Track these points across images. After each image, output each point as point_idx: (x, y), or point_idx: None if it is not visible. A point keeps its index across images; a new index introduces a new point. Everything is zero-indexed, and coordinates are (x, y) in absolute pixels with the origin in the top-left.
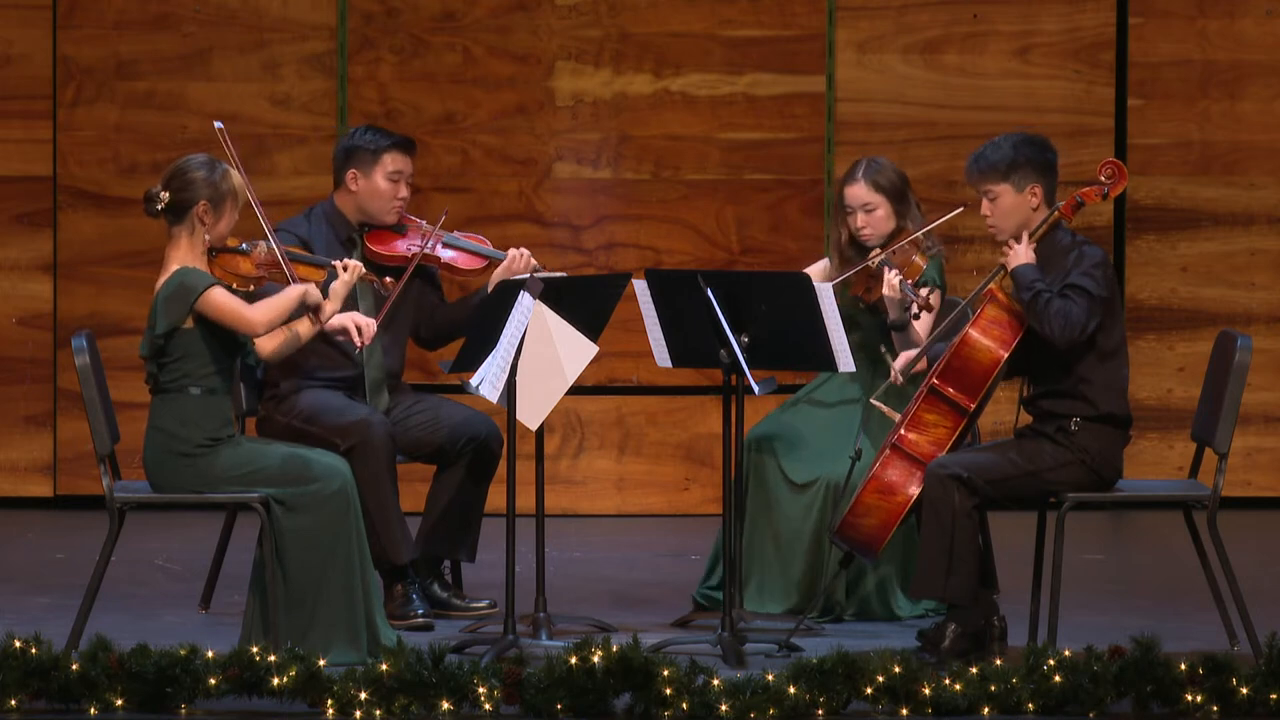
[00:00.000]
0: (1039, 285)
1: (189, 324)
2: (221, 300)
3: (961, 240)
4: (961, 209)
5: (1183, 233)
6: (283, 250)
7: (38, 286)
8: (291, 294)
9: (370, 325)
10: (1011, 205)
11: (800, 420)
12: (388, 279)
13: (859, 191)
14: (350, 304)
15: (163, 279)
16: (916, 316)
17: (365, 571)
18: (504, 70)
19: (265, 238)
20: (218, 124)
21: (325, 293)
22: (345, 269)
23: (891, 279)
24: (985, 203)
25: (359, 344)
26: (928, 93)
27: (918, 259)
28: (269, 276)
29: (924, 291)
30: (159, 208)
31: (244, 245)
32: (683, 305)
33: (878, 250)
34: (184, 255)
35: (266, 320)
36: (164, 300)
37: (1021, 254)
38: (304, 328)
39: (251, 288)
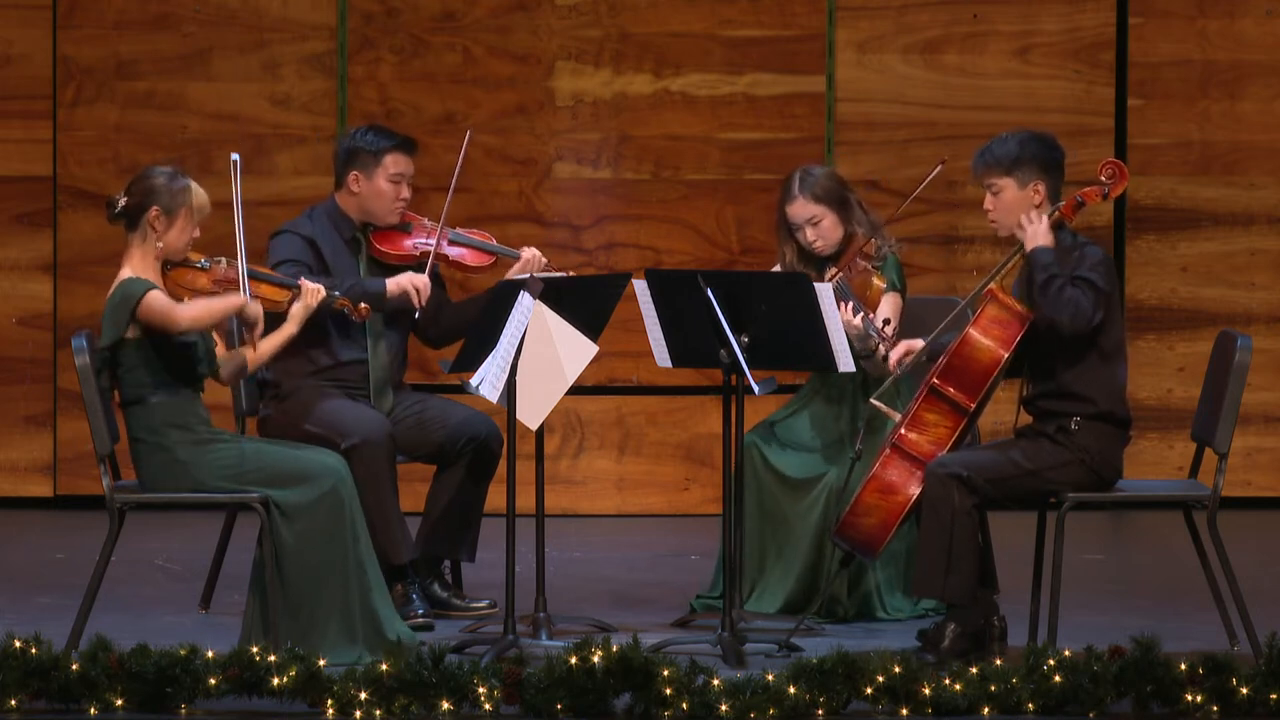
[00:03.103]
0: (1055, 269)
1: (132, 334)
2: (151, 301)
3: (961, 240)
4: (939, 168)
5: (1183, 233)
6: (245, 268)
7: (38, 286)
8: (229, 300)
9: (427, 284)
10: (1013, 200)
11: (799, 421)
12: (362, 305)
13: (800, 208)
14: (345, 323)
15: (111, 290)
16: (885, 358)
17: (364, 570)
18: (504, 70)
19: (231, 254)
20: (235, 157)
21: (287, 314)
22: (307, 293)
23: (853, 319)
24: (988, 196)
25: (419, 305)
26: (928, 93)
27: (876, 280)
28: (225, 294)
29: (888, 331)
30: (116, 212)
31: (203, 261)
32: (683, 305)
33: (833, 269)
34: (136, 264)
35: (190, 317)
36: (109, 312)
37: (1041, 234)
38: (250, 357)
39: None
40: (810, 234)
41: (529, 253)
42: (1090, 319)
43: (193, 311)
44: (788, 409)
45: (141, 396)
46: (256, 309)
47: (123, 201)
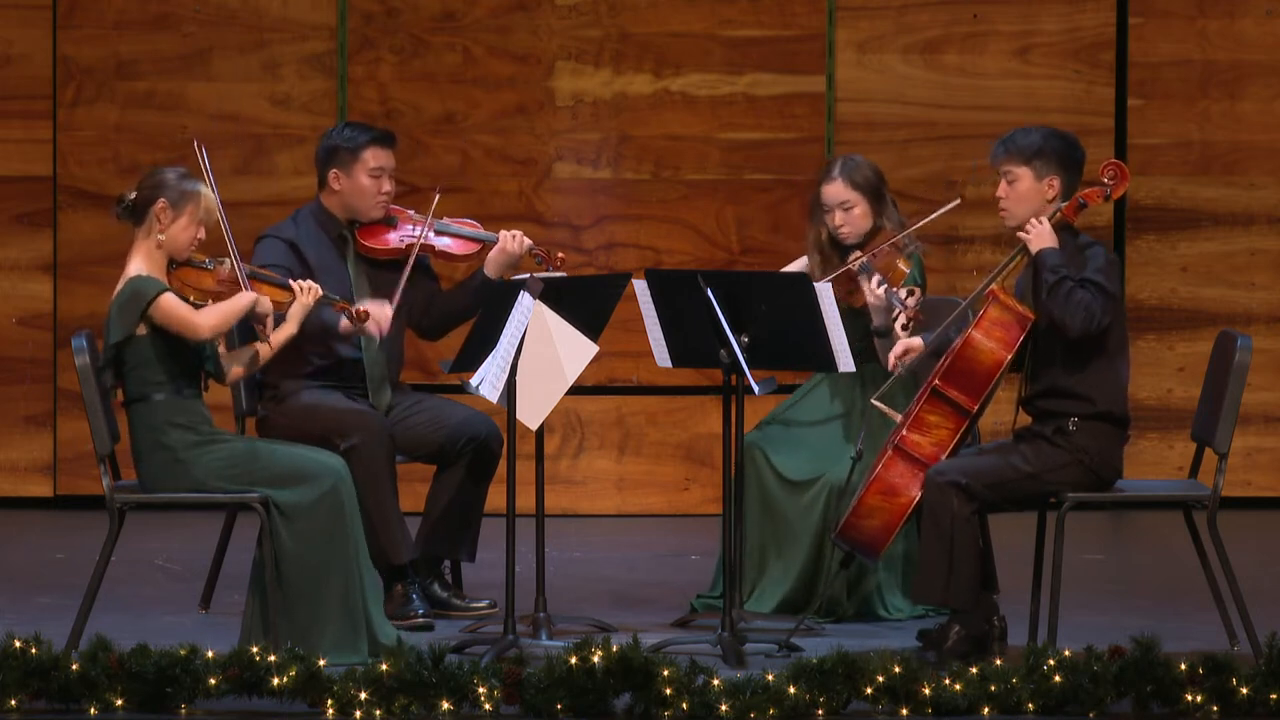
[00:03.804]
0: (1064, 271)
1: (141, 331)
2: (170, 306)
3: (961, 240)
4: (957, 202)
5: (1183, 233)
6: (245, 269)
7: (38, 286)
8: (241, 301)
9: (385, 311)
10: (1027, 191)
11: (818, 393)
12: (360, 308)
13: (836, 190)
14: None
15: (118, 287)
16: (905, 327)
17: (363, 570)
18: (504, 70)
19: (230, 255)
20: (197, 142)
21: (285, 315)
22: (303, 291)
23: (876, 289)
24: (1002, 184)
25: (379, 333)
26: (928, 93)
27: (900, 264)
28: (230, 294)
29: (911, 301)
30: (124, 206)
31: (207, 261)
32: (683, 305)
33: (859, 253)
34: (141, 260)
35: (212, 325)
36: (117, 309)
37: (1045, 235)
38: (263, 350)
39: (210, 301)
40: (839, 218)
41: (505, 235)
42: (1100, 323)
43: (213, 320)
44: (801, 391)
45: (146, 394)
46: (266, 303)
47: (132, 196)
